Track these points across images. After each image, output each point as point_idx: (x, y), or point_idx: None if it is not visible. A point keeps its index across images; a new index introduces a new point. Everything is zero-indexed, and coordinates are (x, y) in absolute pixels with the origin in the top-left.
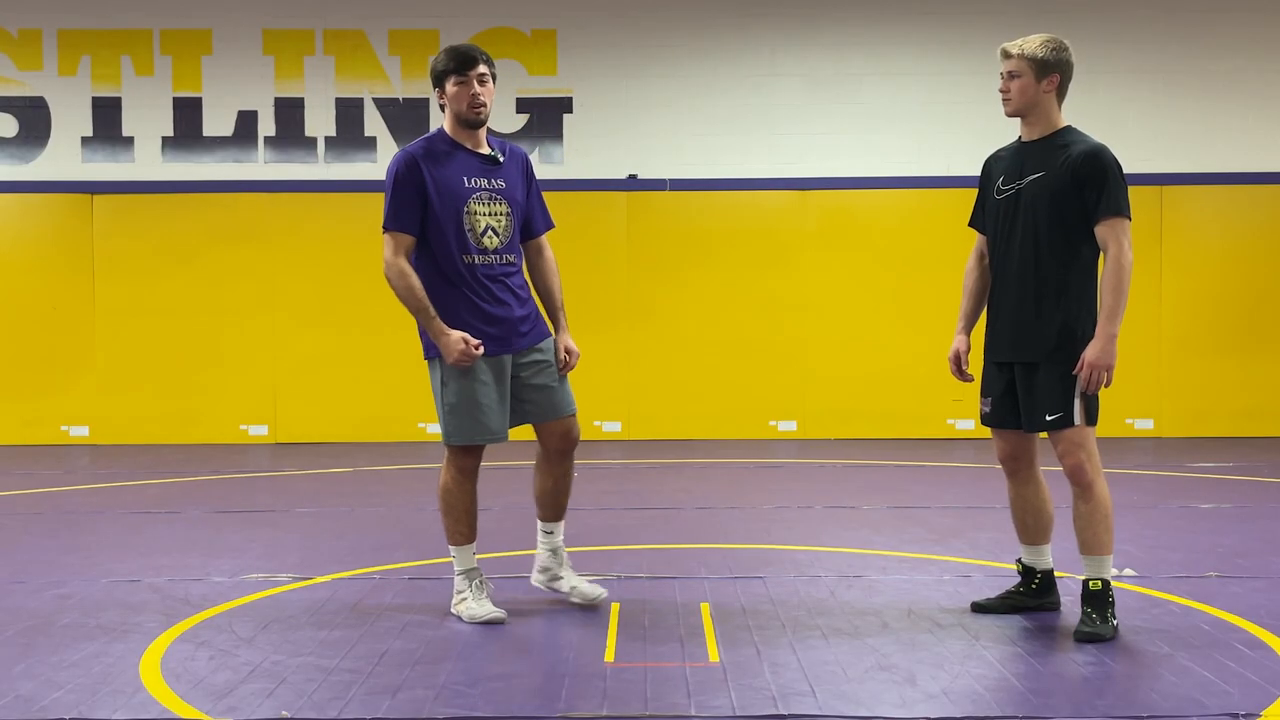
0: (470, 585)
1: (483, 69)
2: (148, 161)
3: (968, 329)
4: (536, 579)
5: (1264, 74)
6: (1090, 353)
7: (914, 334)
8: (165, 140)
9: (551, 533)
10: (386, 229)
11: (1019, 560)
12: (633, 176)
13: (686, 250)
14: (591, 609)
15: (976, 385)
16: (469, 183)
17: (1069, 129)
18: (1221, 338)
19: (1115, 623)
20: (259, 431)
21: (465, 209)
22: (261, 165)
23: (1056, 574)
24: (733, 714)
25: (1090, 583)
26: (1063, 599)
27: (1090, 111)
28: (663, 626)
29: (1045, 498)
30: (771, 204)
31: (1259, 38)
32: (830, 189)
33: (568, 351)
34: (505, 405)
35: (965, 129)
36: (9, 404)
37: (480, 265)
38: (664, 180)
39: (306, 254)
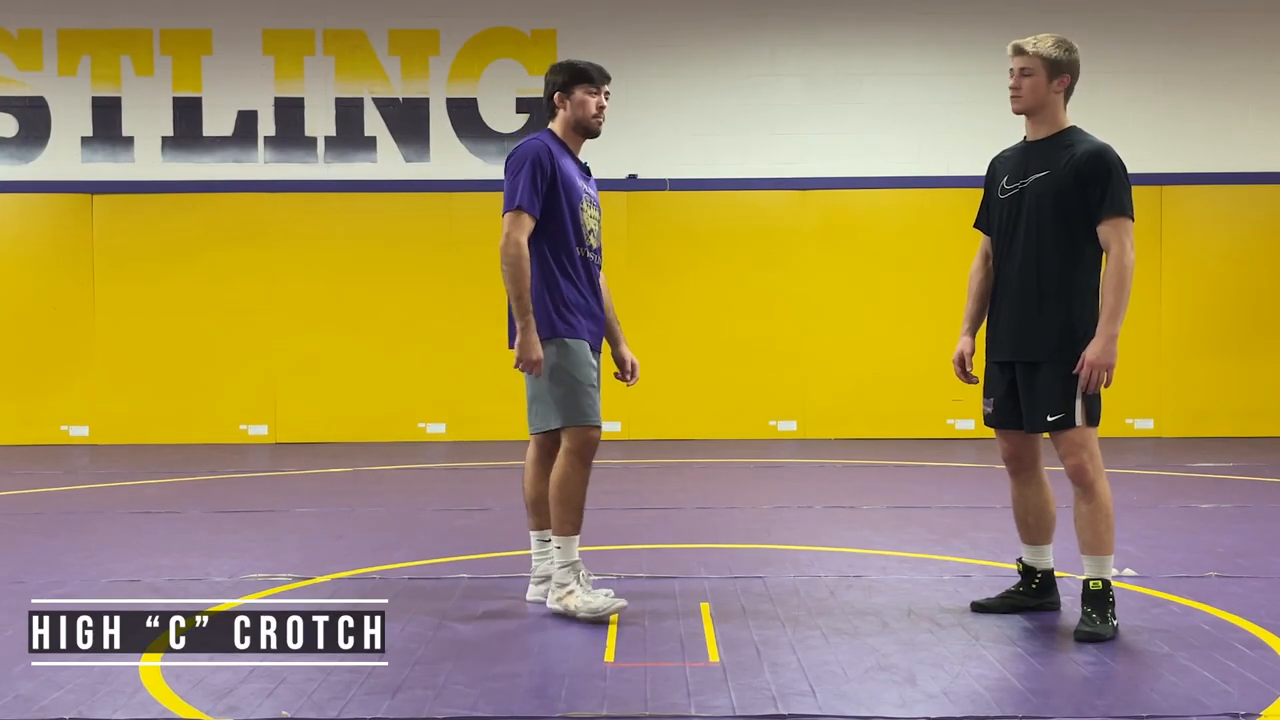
0: (577, 578)
1: (608, 86)
2: (148, 161)
3: (972, 330)
4: (535, 593)
5: (1264, 74)
6: (1090, 352)
7: (914, 334)
8: (165, 140)
9: (549, 541)
10: (514, 208)
11: (1019, 560)
12: (633, 176)
13: (686, 250)
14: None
15: (978, 386)
16: (581, 184)
17: (1074, 129)
18: (1221, 338)
19: (1115, 623)
20: (259, 431)
21: (580, 206)
22: (261, 165)
23: (1057, 574)
24: (733, 714)
25: (1091, 583)
26: (1063, 598)
27: (1090, 111)
28: (663, 626)
29: (1048, 498)
30: (771, 204)
31: (1259, 38)
32: (830, 189)
33: (632, 364)
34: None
35: (965, 129)
36: (9, 404)
37: (591, 260)
38: (664, 180)
39: (306, 254)
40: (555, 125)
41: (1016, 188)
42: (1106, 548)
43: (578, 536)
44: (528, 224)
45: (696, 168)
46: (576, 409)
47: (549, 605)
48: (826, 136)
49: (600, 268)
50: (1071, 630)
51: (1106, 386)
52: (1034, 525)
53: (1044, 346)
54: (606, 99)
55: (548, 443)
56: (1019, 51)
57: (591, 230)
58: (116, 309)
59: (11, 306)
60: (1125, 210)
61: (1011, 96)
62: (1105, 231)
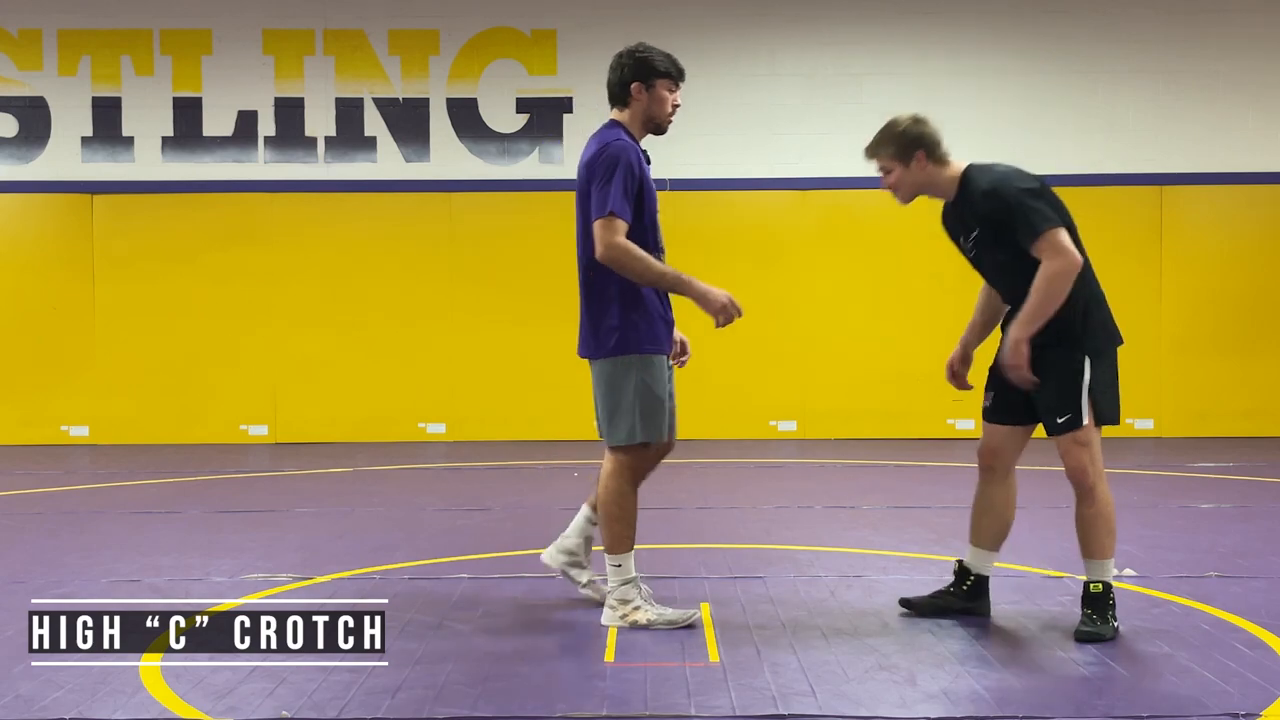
0: (640, 593)
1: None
2: (148, 161)
3: (969, 342)
4: (555, 559)
5: (1264, 74)
6: (1000, 353)
7: (914, 334)
8: (165, 140)
9: (596, 522)
10: (607, 215)
11: (959, 560)
12: None
13: (686, 250)
14: (596, 607)
15: (979, 386)
16: (652, 183)
17: (966, 177)
18: (1221, 338)
19: (1116, 624)
20: (259, 431)
21: (656, 207)
22: (261, 165)
23: (1058, 574)
24: (733, 714)
25: (1091, 585)
26: (1062, 599)
27: (1090, 111)
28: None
29: (1010, 504)
30: (771, 204)
31: (1259, 38)
32: (830, 189)
33: (682, 343)
34: None
35: (965, 129)
36: (9, 404)
37: (662, 259)
38: (664, 180)
39: (306, 254)
40: (624, 115)
41: (970, 246)
42: (1107, 551)
43: (633, 553)
44: (621, 228)
45: (696, 168)
46: (654, 426)
47: (605, 621)
48: (826, 136)
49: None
50: (1072, 630)
51: (1027, 390)
52: (987, 528)
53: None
54: (680, 97)
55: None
56: (869, 158)
57: (660, 230)
58: (116, 309)
59: (11, 306)
60: (1039, 229)
61: (893, 197)
62: (1037, 252)
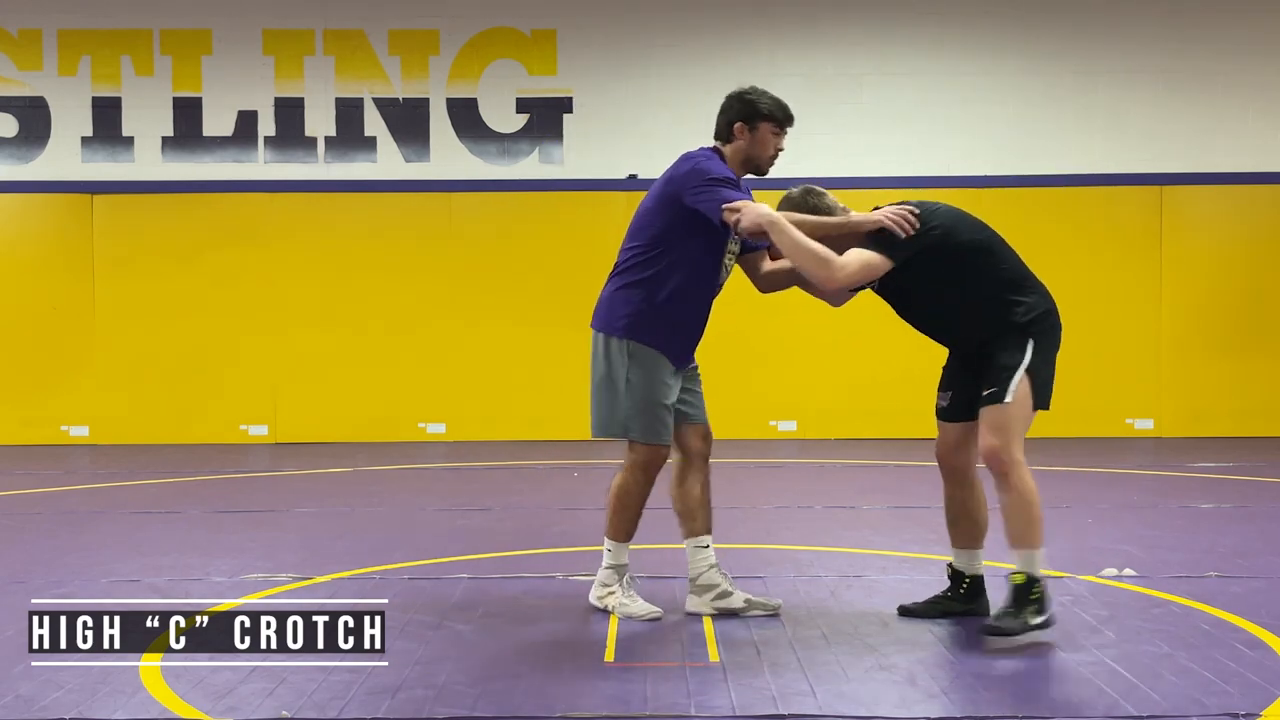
0: (620, 580)
1: (789, 129)
2: (148, 161)
3: None
4: (706, 606)
5: (1264, 74)
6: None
7: (913, 334)
8: (165, 140)
9: (708, 546)
10: (729, 205)
11: (950, 565)
12: (633, 176)
13: None
14: (598, 611)
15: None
16: None
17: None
18: (1221, 338)
19: (1039, 620)
20: (259, 431)
21: (726, 244)
22: (261, 165)
23: (1057, 574)
24: (733, 714)
25: (1013, 575)
26: (1062, 600)
27: (1090, 111)
28: (663, 626)
29: (980, 501)
30: (770, 203)
31: (1259, 38)
32: (830, 189)
33: None
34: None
35: (965, 129)
36: (9, 404)
37: (714, 297)
38: None
39: (306, 254)
40: (727, 150)
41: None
42: (1029, 541)
43: (629, 543)
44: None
45: None
46: (637, 424)
47: (590, 599)
48: (826, 136)
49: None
50: (1075, 631)
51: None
52: (965, 529)
53: (981, 337)
54: (784, 142)
55: (680, 452)
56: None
57: (726, 267)
58: (116, 309)
59: (11, 306)
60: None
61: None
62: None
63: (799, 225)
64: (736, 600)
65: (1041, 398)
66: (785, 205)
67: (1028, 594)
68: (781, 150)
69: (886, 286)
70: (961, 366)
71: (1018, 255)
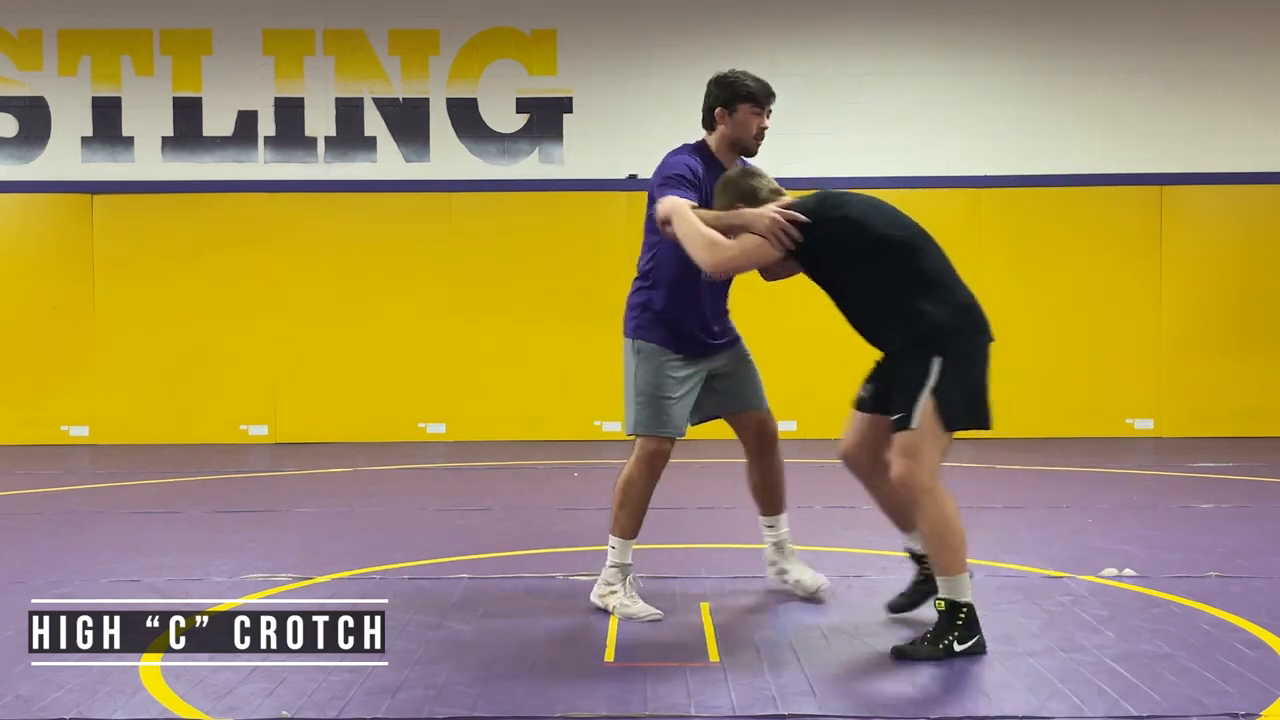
0: (622, 580)
1: (772, 106)
2: (148, 161)
3: None
4: (769, 572)
5: (1264, 74)
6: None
7: None
8: (165, 140)
9: (772, 526)
10: (664, 195)
11: (907, 550)
12: (633, 176)
13: None
14: (603, 611)
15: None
16: None
17: None
18: (1221, 338)
19: (960, 647)
20: (259, 431)
21: None
22: (261, 165)
23: (1057, 574)
24: (733, 714)
25: (936, 603)
26: (1062, 600)
27: (1090, 111)
28: (663, 626)
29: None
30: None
31: (1259, 38)
32: (831, 189)
33: None
34: (689, 404)
35: (965, 129)
36: (9, 404)
37: (719, 281)
38: None
39: (306, 254)
40: (711, 139)
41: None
42: (950, 568)
43: (633, 541)
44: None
45: None
46: (636, 418)
47: (592, 598)
48: (826, 136)
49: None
50: (1075, 631)
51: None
52: (905, 513)
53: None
54: (768, 118)
55: (739, 438)
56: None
57: None
58: (116, 309)
59: (11, 306)
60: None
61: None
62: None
63: (704, 218)
64: (789, 578)
65: (952, 420)
66: (720, 183)
67: (949, 622)
68: (765, 128)
69: (814, 278)
70: (889, 362)
71: (944, 258)
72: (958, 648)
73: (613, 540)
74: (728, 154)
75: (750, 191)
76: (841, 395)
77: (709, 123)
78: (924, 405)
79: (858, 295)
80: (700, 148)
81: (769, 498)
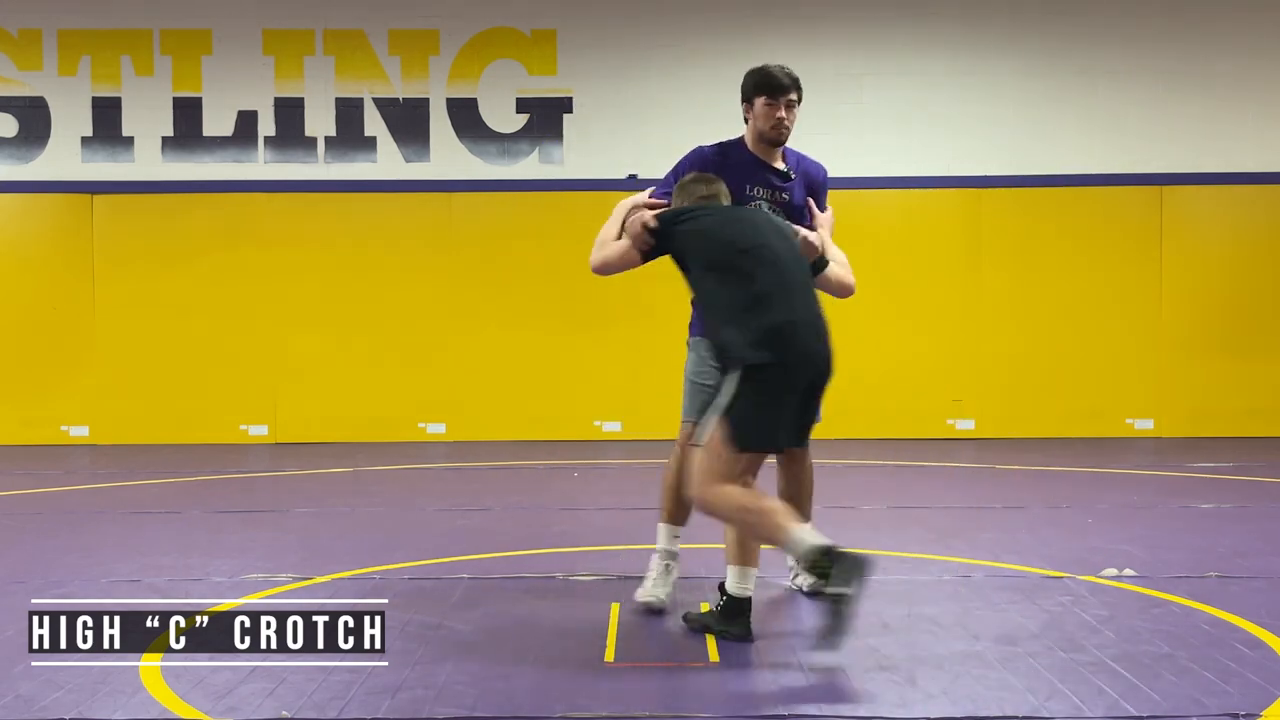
0: (655, 568)
1: (792, 95)
2: (148, 161)
3: None
4: (791, 582)
5: (1264, 74)
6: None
7: (914, 334)
8: (165, 140)
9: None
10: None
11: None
12: (633, 176)
13: None
14: (601, 612)
15: (978, 386)
16: (749, 190)
17: None
18: (1221, 338)
19: (724, 630)
20: (259, 431)
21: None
22: (261, 165)
23: (1057, 574)
24: (733, 714)
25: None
26: (1062, 600)
27: (1090, 111)
28: (663, 626)
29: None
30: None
31: (1259, 38)
32: (831, 189)
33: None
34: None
35: (965, 129)
36: (9, 404)
37: None
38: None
39: (306, 254)
40: (747, 133)
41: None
42: (739, 557)
43: (670, 527)
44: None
45: None
46: (690, 405)
47: (636, 597)
48: (826, 136)
49: None
50: (1075, 631)
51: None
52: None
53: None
54: (788, 109)
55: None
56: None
57: None
58: (116, 309)
59: (11, 306)
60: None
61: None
62: None
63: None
64: (804, 582)
65: (736, 440)
66: (678, 185)
67: (727, 610)
68: (782, 118)
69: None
70: None
71: (778, 281)
72: (717, 628)
73: (659, 526)
74: (759, 146)
75: (689, 195)
76: (842, 396)
77: (746, 118)
78: (712, 424)
79: (700, 304)
80: (737, 141)
81: (794, 507)
